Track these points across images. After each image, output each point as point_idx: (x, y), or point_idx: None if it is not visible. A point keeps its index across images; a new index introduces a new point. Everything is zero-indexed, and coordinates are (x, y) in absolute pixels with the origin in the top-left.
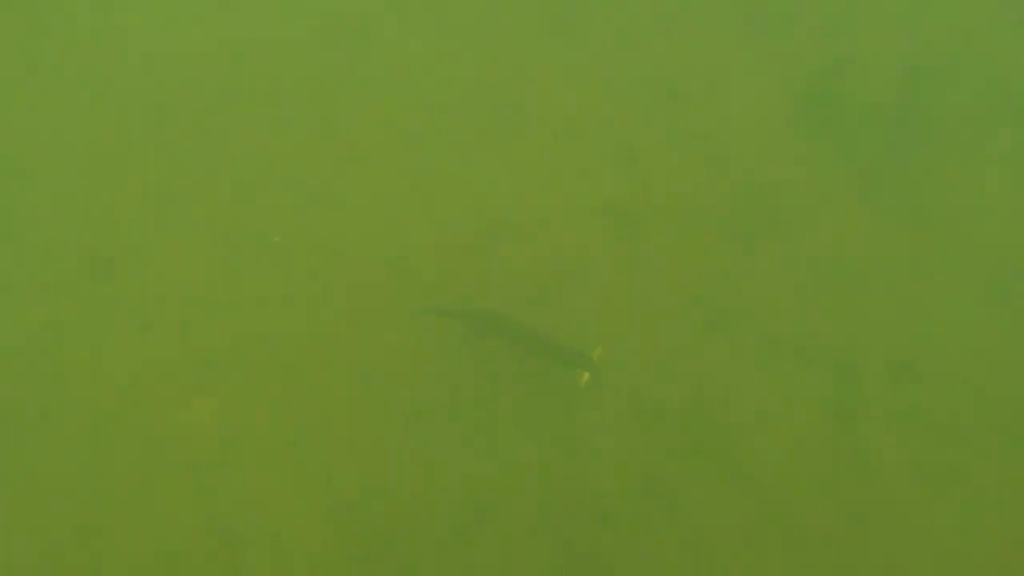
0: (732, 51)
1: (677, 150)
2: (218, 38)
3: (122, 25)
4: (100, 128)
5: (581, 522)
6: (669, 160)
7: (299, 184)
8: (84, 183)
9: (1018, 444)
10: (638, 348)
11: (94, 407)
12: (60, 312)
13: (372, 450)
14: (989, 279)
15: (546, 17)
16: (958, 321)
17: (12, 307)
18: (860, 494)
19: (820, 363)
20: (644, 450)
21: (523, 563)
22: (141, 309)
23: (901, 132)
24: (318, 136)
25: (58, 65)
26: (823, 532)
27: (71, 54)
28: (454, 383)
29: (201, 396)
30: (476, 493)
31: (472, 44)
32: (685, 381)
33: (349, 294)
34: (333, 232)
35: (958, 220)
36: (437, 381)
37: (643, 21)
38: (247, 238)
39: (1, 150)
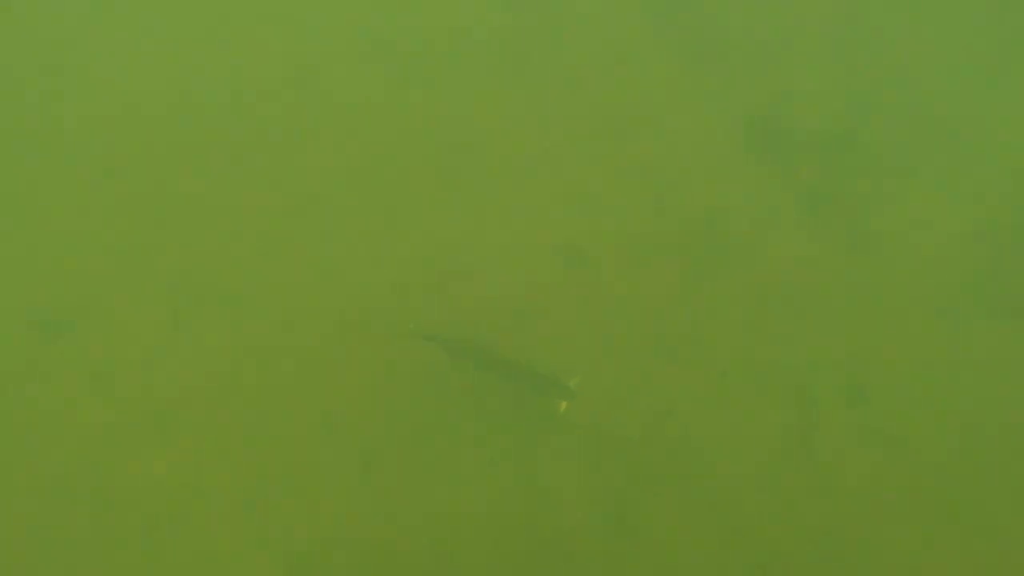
0: (678, 86)
1: (626, 185)
2: (168, 89)
3: (62, 88)
4: (48, 189)
5: (544, 561)
6: (619, 196)
7: (255, 231)
8: (32, 243)
9: (970, 458)
10: (597, 381)
11: (47, 466)
12: (9, 372)
13: (331, 498)
14: (932, 298)
15: (496, 58)
16: (905, 340)
17: None
18: (822, 518)
19: (776, 389)
20: (607, 483)
21: None
22: (93, 366)
23: (842, 160)
24: (273, 182)
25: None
26: (788, 557)
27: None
28: (414, 422)
29: (157, 450)
30: (437, 535)
31: (425, 87)
32: (646, 412)
33: (305, 340)
34: (289, 279)
35: (899, 242)
36: (394, 422)
37: (591, 59)
38: (200, 287)
39: None
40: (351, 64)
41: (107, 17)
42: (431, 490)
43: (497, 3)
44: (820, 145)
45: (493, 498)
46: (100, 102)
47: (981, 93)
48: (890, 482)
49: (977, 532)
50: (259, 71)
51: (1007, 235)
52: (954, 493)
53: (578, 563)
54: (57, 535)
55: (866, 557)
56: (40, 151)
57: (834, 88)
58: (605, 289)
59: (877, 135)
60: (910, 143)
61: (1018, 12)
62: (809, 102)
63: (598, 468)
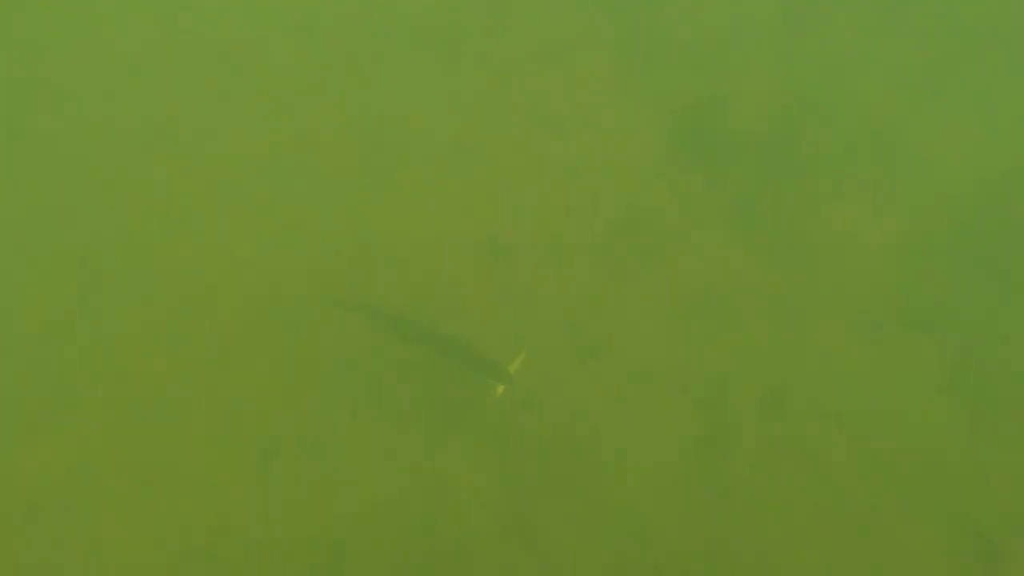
0: (610, 83)
1: (551, 181)
2: (93, 64)
3: None
4: None
5: (440, 564)
6: (544, 192)
7: (171, 218)
8: None
9: (881, 473)
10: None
11: None
12: None
13: (228, 490)
14: (852, 309)
15: (429, 47)
16: (827, 353)
17: None
18: (728, 528)
19: (690, 395)
20: (510, 483)
21: None
22: None
23: (773, 163)
24: (196, 164)
25: None
26: (691, 568)
27: None
28: (308, 418)
29: (49, 435)
30: (333, 533)
31: (357, 72)
32: (557, 412)
33: (211, 328)
34: (203, 264)
35: (827, 252)
36: (294, 415)
37: (521, 54)
38: (108, 270)
39: None
40: (281, 45)
41: None
42: (330, 483)
43: None
44: (752, 148)
45: (393, 495)
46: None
47: (919, 107)
48: (799, 494)
49: (885, 549)
50: (185, 50)
51: (931, 250)
52: (863, 507)
53: (472, 567)
54: None
55: (769, 570)
56: None
57: (770, 91)
58: (523, 286)
59: (811, 142)
60: (844, 152)
61: (959, 28)
62: (744, 104)
63: (504, 468)
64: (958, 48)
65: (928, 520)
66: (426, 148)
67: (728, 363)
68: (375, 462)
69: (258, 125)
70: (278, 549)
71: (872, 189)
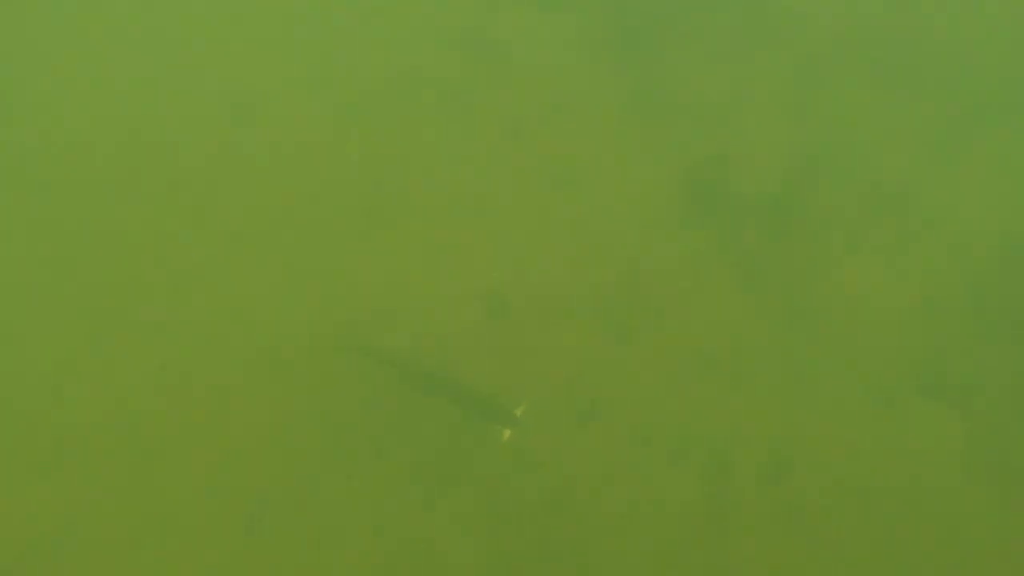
0: (619, 139)
1: (557, 237)
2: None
3: None
4: None
5: None
6: (548, 247)
7: (174, 270)
8: None
9: (888, 545)
10: (500, 444)
11: None
12: None
13: (213, 552)
14: (863, 375)
15: (433, 100)
16: (837, 420)
17: None
18: None
19: (692, 460)
20: (501, 550)
21: None
22: None
23: (782, 224)
24: (204, 213)
25: None
26: None
27: None
28: (299, 478)
29: (39, 484)
30: None
31: (365, 126)
32: (554, 476)
33: (206, 381)
34: (205, 319)
35: (835, 315)
36: (284, 475)
37: (529, 110)
38: (107, 318)
39: None
40: (292, 98)
41: None
42: (317, 547)
43: (446, 44)
44: (762, 209)
45: (380, 560)
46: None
47: (934, 167)
48: (798, 567)
49: None
50: (197, 101)
51: (945, 315)
52: None
53: None
54: None
55: None
56: None
57: (781, 152)
58: (523, 342)
59: (822, 204)
60: (855, 214)
61: (973, 88)
62: (754, 164)
63: (497, 532)
64: (973, 108)
65: None
66: (432, 200)
67: (733, 429)
68: (364, 526)
69: (264, 175)
70: None
71: (885, 251)
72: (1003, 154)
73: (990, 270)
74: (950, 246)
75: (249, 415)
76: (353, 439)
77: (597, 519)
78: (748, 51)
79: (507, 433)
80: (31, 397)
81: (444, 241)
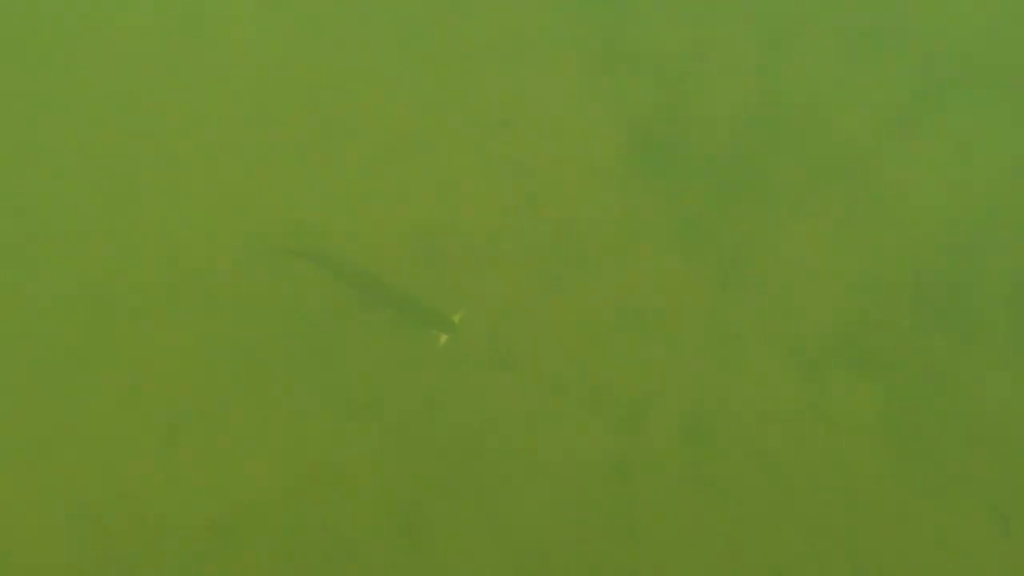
0: (572, 86)
1: (497, 180)
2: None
3: None
4: None
5: (326, 561)
6: (487, 190)
7: (110, 185)
8: None
9: (797, 514)
10: (414, 380)
11: None
12: None
13: (131, 460)
14: (790, 343)
15: (383, 33)
16: (755, 384)
17: None
18: (631, 559)
19: (608, 413)
20: (407, 485)
21: None
22: None
23: (729, 184)
24: (138, 135)
25: None
26: None
27: None
28: (212, 394)
29: None
30: (224, 516)
31: (305, 56)
32: (469, 418)
33: (130, 291)
34: (132, 228)
35: (772, 280)
36: (199, 388)
37: (479, 49)
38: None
39: None
40: (241, 20)
41: None
42: (231, 462)
43: None
44: (709, 167)
45: (291, 483)
46: None
47: (887, 143)
48: (707, 529)
49: None
50: (134, 14)
51: (882, 291)
52: (783, 550)
53: (359, 565)
54: None
55: None
56: None
57: (736, 112)
58: (448, 282)
59: (771, 167)
60: (804, 182)
61: (939, 65)
62: (706, 122)
63: (405, 467)
64: (937, 86)
65: (842, 565)
66: (374, 132)
67: (652, 386)
68: (278, 447)
69: (210, 95)
70: (170, 528)
71: (831, 221)
72: (961, 137)
73: (934, 252)
74: (897, 223)
75: (177, 323)
76: (281, 348)
77: (505, 464)
78: (713, 6)
79: (444, 338)
80: None
81: (381, 174)
